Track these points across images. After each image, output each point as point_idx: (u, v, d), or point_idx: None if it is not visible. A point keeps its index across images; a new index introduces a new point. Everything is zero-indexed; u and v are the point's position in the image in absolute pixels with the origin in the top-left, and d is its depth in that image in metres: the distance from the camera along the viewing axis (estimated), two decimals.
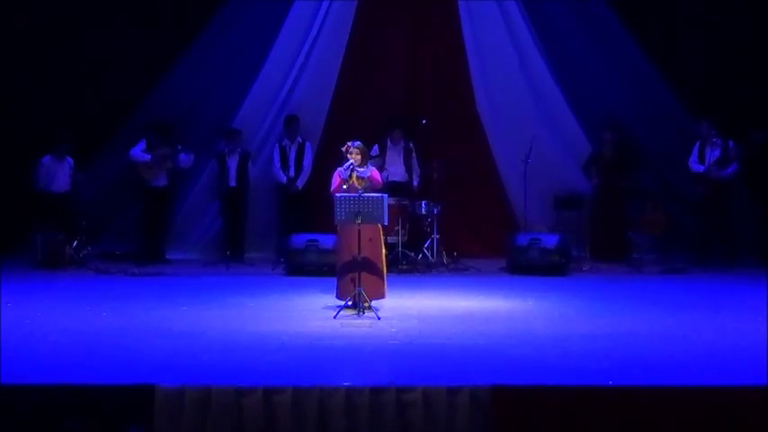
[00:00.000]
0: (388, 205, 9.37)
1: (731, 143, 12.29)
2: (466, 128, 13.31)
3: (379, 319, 8.83)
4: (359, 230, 8.97)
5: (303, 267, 11.54)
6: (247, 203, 12.93)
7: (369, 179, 9.31)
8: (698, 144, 12.47)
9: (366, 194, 9.05)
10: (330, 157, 11.28)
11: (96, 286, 10.87)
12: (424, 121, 12.57)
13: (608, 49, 13.07)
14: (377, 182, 9.36)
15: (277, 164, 12.81)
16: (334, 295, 9.35)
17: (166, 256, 12.72)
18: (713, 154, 12.33)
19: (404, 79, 13.37)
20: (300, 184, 12.79)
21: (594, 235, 12.84)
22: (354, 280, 9.02)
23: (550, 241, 11.89)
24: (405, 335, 8.23)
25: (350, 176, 9.23)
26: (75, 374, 6.77)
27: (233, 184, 12.70)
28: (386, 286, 9.33)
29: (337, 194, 9.10)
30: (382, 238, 9.42)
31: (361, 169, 9.28)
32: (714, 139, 12.27)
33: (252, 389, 6.45)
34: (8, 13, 12.72)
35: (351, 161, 9.23)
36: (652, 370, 7.04)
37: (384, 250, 9.43)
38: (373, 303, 9.13)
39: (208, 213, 13.12)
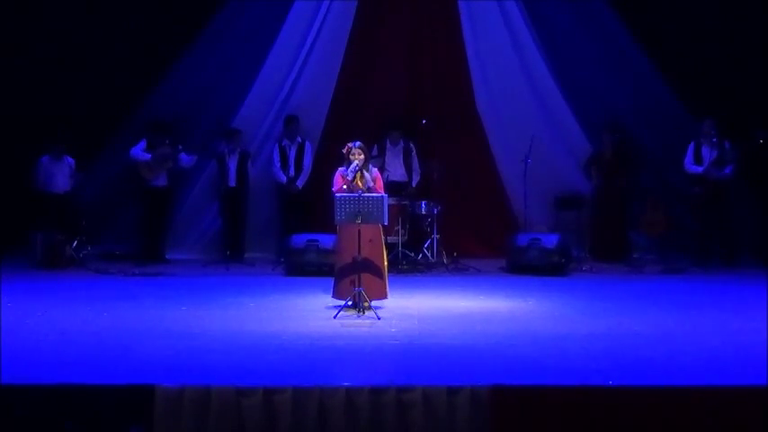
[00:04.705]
0: (388, 205, 9.38)
1: (727, 144, 12.29)
2: (466, 128, 13.31)
3: (379, 319, 8.83)
4: (359, 231, 8.98)
5: (303, 267, 11.54)
6: (247, 203, 12.93)
7: (374, 180, 9.29)
8: (693, 144, 12.47)
9: (366, 194, 9.05)
10: (330, 157, 11.28)
11: (96, 286, 10.87)
12: (424, 122, 12.57)
13: (608, 49, 13.07)
14: (379, 189, 9.31)
15: (277, 164, 12.81)
16: (331, 295, 9.36)
17: (166, 256, 12.71)
18: (712, 154, 12.33)
19: (404, 79, 13.36)
20: (300, 184, 12.79)
21: (594, 235, 12.84)
22: (354, 281, 9.02)
23: (550, 241, 11.89)
24: (405, 335, 8.23)
25: (354, 177, 9.20)
26: (75, 374, 6.77)
27: (233, 184, 12.70)
28: (387, 286, 9.34)
29: (337, 194, 9.09)
30: (383, 238, 9.42)
31: (367, 173, 9.25)
32: (715, 139, 12.26)
33: (252, 389, 6.45)
34: (8, 13, 12.72)
35: (356, 163, 9.21)
36: (652, 370, 7.04)
37: (385, 250, 9.43)
38: (374, 303, 9.13)
39: (208, 213, 13.12)
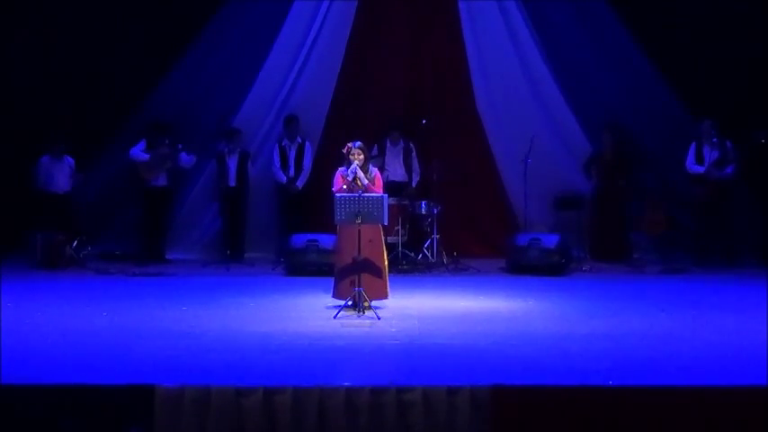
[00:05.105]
0: (389, 205, 9.38)
1: (729, 144, 12.29)
2: (466, 128, 13.31)
3: (379, 319, 8.83)
4: (359, 231, 8.98)
5: (303, 267, 11.54)
6: (247, 203, 12.93)
7: (372, 180, 9.29)
8: (694, 145, 12.48)
9: (366, 194, 9.05)
10: (330, 157, 11.29)
11: (96, 286, 10.87)
12: (424, 122, 12.58)
13: (608, 48, 13.07)
14: (378, 188, 9.30)
15: (277, 164, 12.81)
16: (331, 295, 9.36)
17: (166, 256, 12.71)
18: (712, 155, 12.34)
19: (404, 79, 13.37)
20: (300, 184, 12.79)
21: (594, 235, 12.84)
22: (354, 281, 9.02)
23: (550, 241, 11.89)
24: (405, 335, 8.24)
25: (354, 178, 9.20)
26: (76, 374, 6.78)
27: (233, 184, 12.70)
28: (388, 286, 9.34)
29: (337, 194, 9.10)
30: (383, 238, 9.43)
31: (364, 175, 9.23)
32: (715, 140, 12.27)
33: (252, 389, 6.45)
34: (8, 13, 12.72)
35: (356, 163, 9.20)
36: (652, 370, 7.04)
37: (385, 250, 9.43)
38: (374, 303, 9.14)
39: (208, 213, 13.11)
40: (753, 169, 12.39)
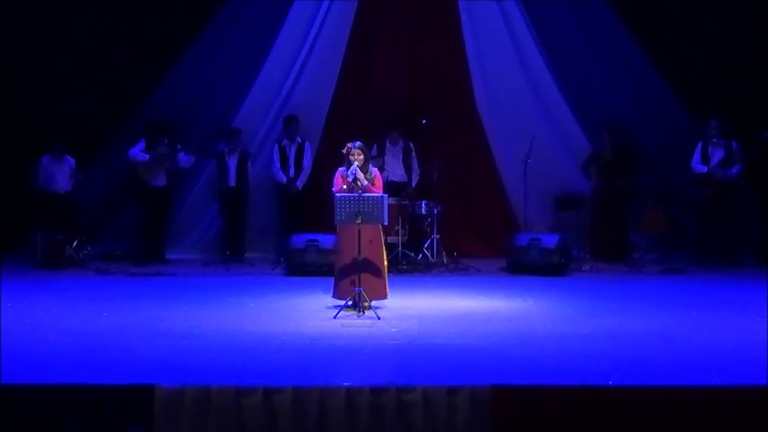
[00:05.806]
0: (388, 205, 9.38)
1: (734, 144, 12.28)
2: (466, 128, 13.31)
3: (379, 319, 8.83)
4: (359, 231, 8.97)
5: (303, 267, 11.54)
6: (247, 203, 12.92)
7: (372, 180, 9.28)
8: (700, 144, 12.47)
9: (366, 194, 9.05)
10: (330, 157, 11.28)
11: (96, 286, 10.87)
12: (424, 122, 12.57)
13: (608, 49, 13.07)
14: (378, 189, 9.30)
15: (277, 164, 12.81)
16: (331, 295, 9.37)
17: (166, 256, 12.71)
18: (717, 154, 12.34)
19: (404, 79, 13.37)
20: (300, 184, 12.79)
21: (594, 235, 12.83)
22: (354, 281, 9.03)
23: (550, 241, 11.89)
24: (405, 335, 8.24)
25: (354, 179, 9.19)
26: (75, 374, 6.78)
27: (233, 184, 12.70)
28: (387, 287, 9.34)
29: (337, 194, 9.10)
30: (383, 238, 9.43)
31: (363, 176, 9.21)
32: (716, 140, 12.28)
33: (252, 389, 6.45)
34: (8, 13, 12.72)
35: (356, 164, 9.19)
36: (652, 370, 7.04)
37: (385, 250, 9.43)
38: (374, 303, 9.14)
39: (208, 213, 13.11)
40: (754, 169, 12.38)
